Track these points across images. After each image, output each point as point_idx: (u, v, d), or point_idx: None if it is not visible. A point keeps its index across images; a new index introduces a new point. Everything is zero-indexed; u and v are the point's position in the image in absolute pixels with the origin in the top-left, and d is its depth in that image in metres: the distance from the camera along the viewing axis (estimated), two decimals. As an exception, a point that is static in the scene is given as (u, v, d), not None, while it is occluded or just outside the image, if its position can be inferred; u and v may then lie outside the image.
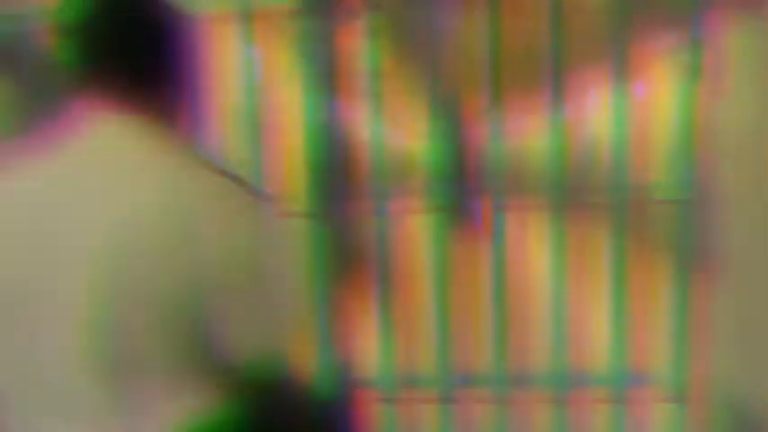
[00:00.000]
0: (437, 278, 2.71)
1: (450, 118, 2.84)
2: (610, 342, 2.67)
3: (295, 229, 2.18)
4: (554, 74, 2.69)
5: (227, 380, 1.08)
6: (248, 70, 2.55)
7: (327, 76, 2.52)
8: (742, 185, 1.78)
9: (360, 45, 2.70)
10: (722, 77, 2.24)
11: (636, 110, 2.40)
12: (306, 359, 1.15)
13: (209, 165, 1.14)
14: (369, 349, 2.74)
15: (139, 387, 1.06)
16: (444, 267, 2.65)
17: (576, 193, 2.53)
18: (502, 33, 2.42)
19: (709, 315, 2.38)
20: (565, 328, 2.59)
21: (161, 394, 1.06)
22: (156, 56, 1.15)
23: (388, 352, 2.70)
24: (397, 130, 2.66)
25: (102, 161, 1.10)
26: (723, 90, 2.24)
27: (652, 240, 2.57)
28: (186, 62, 1.18)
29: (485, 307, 3.50)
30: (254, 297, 1.08)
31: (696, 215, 2.38)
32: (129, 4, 1.13)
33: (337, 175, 2.57)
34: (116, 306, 1.03)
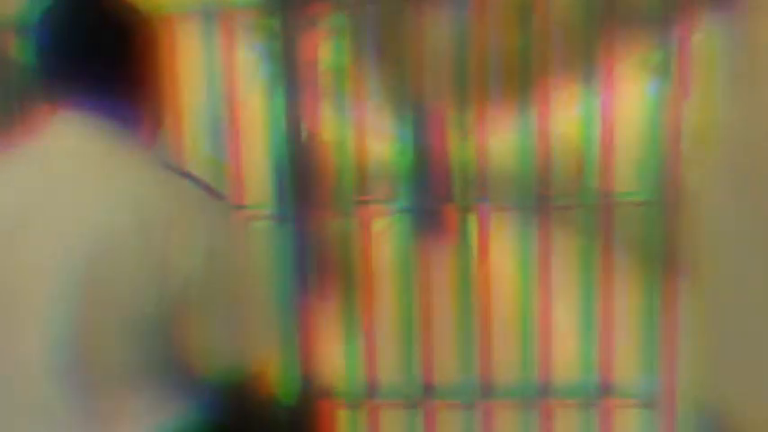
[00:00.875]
0: (403, 282, 2.69)
1: (416, 120, 2.82)
2: (578, 348, 2.67)
3: (260, 233, 2.15)
4: (522, 76, 2.69)
5: (196, 390, 1.07)
6: (211, 71, 2.52)
7: (291, 77, 2.49)
8: (713, 188, 1.78)
9: (324, 45, 2.67)
10: (692, 79, 2.26)
11: (604, 112, 2.41)
12: (271, 366, 1.13)
13: (172, 168, 1.12)
14: (333, 355, 2.72)
15: (110, 400, 1.03)
16: (411, 271, 2.62)
17: (544, 196, 2.53)
18: (470, 36, 2.41)
19: (678, 319, 2.40)
20: (532, 333, 2.58)
21: (132, 406, 1.04)
22: (118, 57, 1.13)
23: (352, 357, 2.68)
24: (363, 132, 2.63)
25: (65, 164, 1.08)
26: (693, 92, 2.25)
27: (621, 243, 2.58)
28: (148, 63, 1.17)
29: (452, 312, 3.50)
30: (220, 304, 1.06)
31: (666, 218, 2.39)
32: (91, 4, 1.11)
33: (302, 178, 2.53)
34: (89, 317, 1.01)
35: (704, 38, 2.18)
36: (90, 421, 1.03)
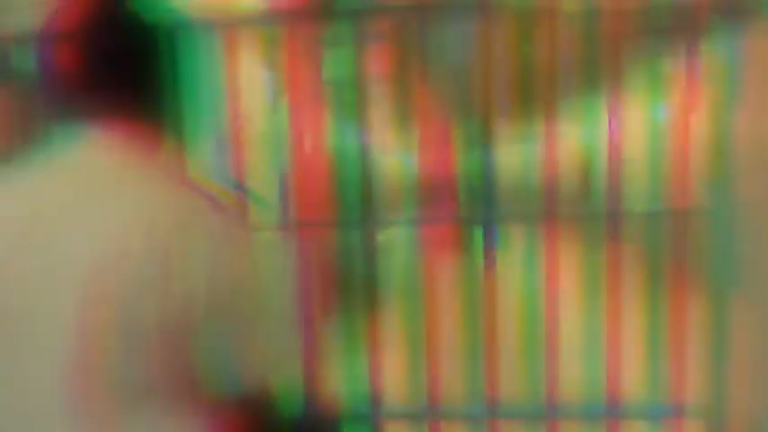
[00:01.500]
0: (409, 296, 2.68)
1: (422, 133, 2.82)
2: (585, 363, 2.65)
3: (265, 246, 2.13)
4: (529, 89, 2.68)
5: (200, 405, 1.06)
6: (217, 84, 2.52)
7: (296, 90, 2.49)
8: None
9: (329, 57, 2.67)
10: (701, 91, 2.25)
11: (612, 125, 2.40)
12: (276, 380, 1.13)
13: (191, 182, 1.12)
14: (338, 369, 2.70)
15: (114, 415, 1.03)
16: (417, 285, 2.61)
17: (551, 208, 2.51)
18: (476, 49, 2.41)
19: (686, 333, 2.38)
20: (539, 348, 2.56)
21: (136, 421, 1.03)
22: (129, 70, 1.14)
23: (357, 372, 2.66)
24: (368, 145, 2.63)
25: (75, 177, 1.08)
26: (702, 104, 2.24)
27: (629, 256, 2.56)
28: (156, 76, 1.17)
29: (458, 326, 3.48)
30: (226, 317, 1.05)
31: (674, 230, 2.37)
32: (104, 19, 1.12)
33: (308, 191, 2.53)
34: (97, 333, 1.00)
35: (713, 49, 2.18)
36: None
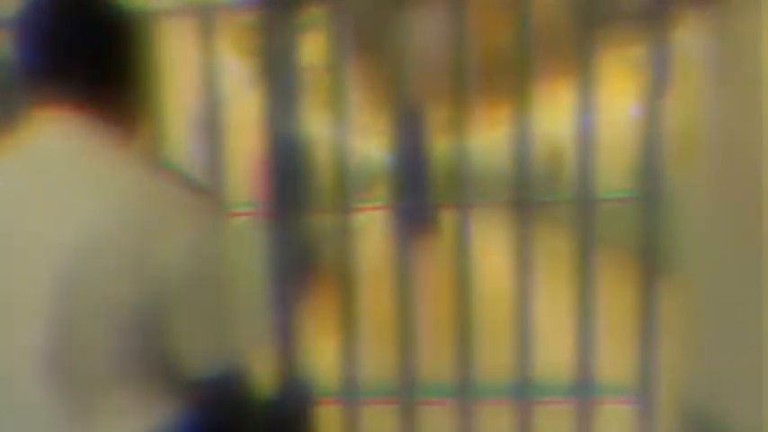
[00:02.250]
0: (386, 281, 2.69)
1: (399, 118, 2.83)
2: (559, 346, 2.68)
3: (243, 231, 2.15)
4: (504, 74, 2.69)
5: (181, 389, 1.07)
6: (196, 70, 2.51)
7: (275, 75, 2.49)
8: (695, 186, 1.80)
9: (308, 43, 2.67)
10: (675, 78, 2.28)
11: (586, 110, 2.42)
12: (255, 364, 1.13)
13: (155, 166, 1.12)
14: (324, 353, 2.72)
15: (95, 400, 1.03)
16: (394, 270, 2.63)
17: (525, 193, 2.54)
18: (464, 33, 2.42)
19: (659, 318, 2.42)
20: (514, 332, 2.59)
21: (117, 406, 1.04)
22: (103, 55, 1.12)
23: (344, 356, 2.67)
24: (354, 131, 2.63)
25: (49, 164, 1.07)
26: (675, 90, 2.27)
27: (602, 241, 2.60)
28: (133, 62, 1.16)
29: (434, 310, 3.50)
30: (204, 302, 1.06)
31: (647, 216, 2.40)
32: (76, 2, 1.11)
33: (286, 176, 2.53)
34: (72, 316, 1.00)
35: (687, 35, 2.20)
36: (75, 422, 1.03)
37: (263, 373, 1.16)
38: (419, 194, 10.30)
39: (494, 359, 2.81)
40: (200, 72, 2.47)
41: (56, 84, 1.10)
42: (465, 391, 2.67)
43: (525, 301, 2.56)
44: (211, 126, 2.50)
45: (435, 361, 2.86)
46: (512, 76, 2.44)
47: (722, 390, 1.52)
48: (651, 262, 2.41)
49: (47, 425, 1.03)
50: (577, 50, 2.38)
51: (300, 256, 2.59)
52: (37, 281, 1.00)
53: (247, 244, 1.17)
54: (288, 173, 2.48)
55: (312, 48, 2.71)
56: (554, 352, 2.84)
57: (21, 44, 1.11)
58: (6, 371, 1.03)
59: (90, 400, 1.03)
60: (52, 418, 1.03)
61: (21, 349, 1.02)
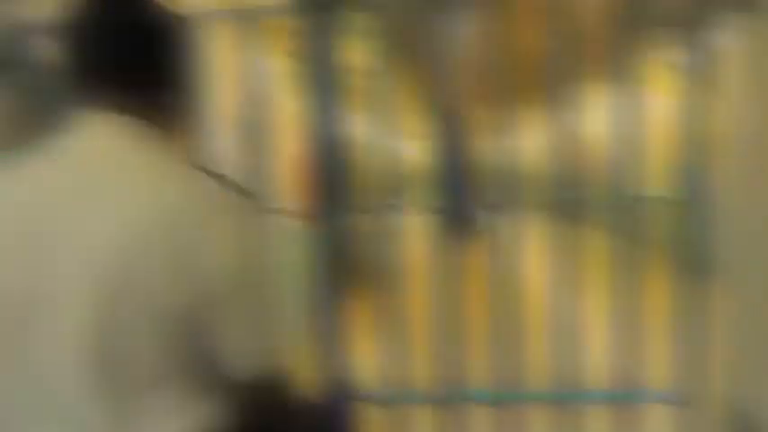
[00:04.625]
0: (434, 283, 2.67)
1: (445, 122, 2.81)
2: (608, 349, 2.64)
3: (294, 233, 2.15)
4: (552, 77, 2.66)
5: (224, 389, 1.06)
6: (244, 71, 2.51)
7: (321, 79, 2.48)
8: (743, 187, 1.76)
9: (354, 46, 2.66)
10: (720, 80, 2.23)
11: (634, 112, 2.38)
12: (300, 365, 1.12)
13: (200, 167, 1.12)
14: (363, 354, 2.71)
15: (138, 400, 1.03)
16: (442, 273, 2.61)
17: (574, 196, 2.51)
18: (502, 37, 2.40)
19: (710, 320, 2.36)
20: (562, 335, 2.56)
21: (160, 406, 1.03)
22: (149, 57, 1.12)
23: (382, 358, 2.66)
24: (396, 133, 2.63)
25: (97, 166, 1.07)
26: (721, 92, 2.22)
27: (651, 242, 2.55)
28: (179, 64, 1.16)
29: (483, 313, 3.47)
30: (248, 302, 1.06)
31: (696, 218, 2.36)
32: (122, 5, 1.12)
33: (333, 179, 2.53)
34: (114, 316, 1.00)
35: (732, 38, 2.16)
36: (118, 422, 1.03)
37: (305, 375, 1.15)
38: (462, 196, 10.23)
39: (538, 361, 2.77)
40: (244, 74, 2.48)
41: (102, 85, 1.10)
42: (508, 395, 2.64)
43: (569, 302, 2.52)
44: (255, 128, 2.50)
45: (479, 363, 2.83)
46: (553, 77, 2.41)
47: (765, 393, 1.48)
48: (694, 262, 2.36)
49: (89, 426, 1.03)
50: (618, 52, 2.35)
51: (343, 257, 2.58)
52: (80, 281, 1.01)
53: (290, 245, 1.17)
54: (331, 174, 2.48)
55: (354, 51, 2.71)
56: (598, 353, 2.80)
57: (67, 46, 1.12)
58: (49, 371, 1.03)
59: (132, 401, 1.02)
60: (94, 420, 1.03)
61: (63, 349, 1.02)
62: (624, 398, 2.53)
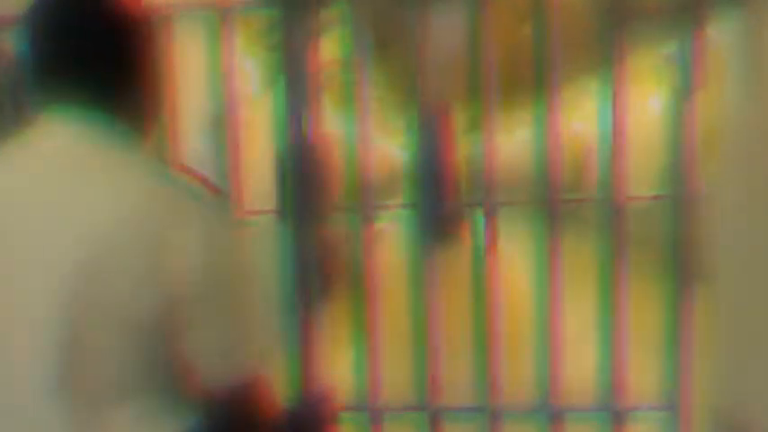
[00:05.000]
0: (410, 283, 2.64)
1: (423, 118, 2.78)
2: (591, 351, 2.63)
3: (260, 233, 2.12)
4: (533, 72, 2.65)
5: (194, 396, 1.04)
6: (211, 69, 2.49)
7: (293, 74, 2.46)
8: (727, 185, 1.74)
9: (327, 40, 2.64)
10: (707, 75, 2.22)
11: (617, 109, 2.38)
12: (272, 370, 1.11)
13: (175, 168, 1.10)
14: (336, 359, 2.68)
15: (106, 409, 1.00)
16: (417, 272, 2.58)
17: (554, 193, 2.49)
18: (479, 32, 2.38)
19: (694, 322, 2.36)
20: (543, 335, 2.54)
21: (129, 415, 1.01)
22: (114, 54, 1.11)
23: (356, 362, 2.64)
24: (367, 129, 2.60)
25: (59, 164, 1.05)
26: (707, 87, 2.22)
27: (634, 241, 2.54)
28: (145, 61, 1.15)
29: (460, 313, 3.46)
30: (219, 305, 1.03)
31: (679, 216, 2.35)
32: (85, 1, 1.10)
33: (305, 177, 2.50)
34: (83, 322, 0.98)
35: (719, 33, 2.16)
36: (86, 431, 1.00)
37: (280, 381, 1.13)
38: (442, 195, 10.30)
39: (519, 365, 2.76)
40: (216, 71, 2.45)
41: (67, 83, 1.09)
42: (489, 400, 2.63)
43: (555, 305, 2.51)
44: (227, 126, 2.48)
45: (458, 368, 2.81)
46: (537, 75, 2.40)
47: (757, 400, 1.46)
48: (681, 264, 2.35)
49: None
50: (605, 48, 2.34)
51: (319, 258, 2.55)
52: (46, 285, 0.98)
53: (265, 246, 1.14)
54: (306, 173, 2.45)
55: (331, 47, 2.69)
56: (585, 358, 2.79)
57: (31, 43, 1.09)
58: (15, 382, 1.01)
59: (104, 410, 1.00)
60: (62, 430, 1.00)
61: (30, 358, 0.99)
62: (609, 403, 2.52)
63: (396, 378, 2.77)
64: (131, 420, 1.01)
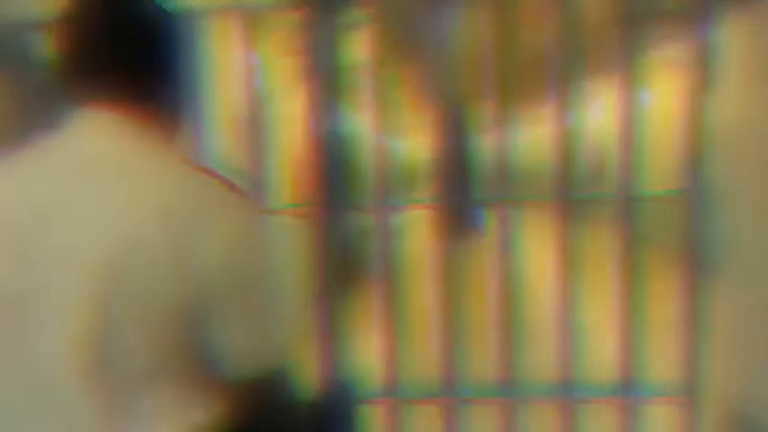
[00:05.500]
0: (439, 280, 2.66)
1: (452, 116, 2.79)
2: (599, 345, 2.64)
3: (282, 229, 2.15)
4: (543, 72, 2.65)
5: (218, 386, 1.06)
6: (243, 69, 2.51)
7: (313, 74, 2.48)
8: (742, 184, 1.76)
9: (346, 41, 2.66)
10: (713, 75, 2.22)
11: (625, 107, 2.38)
12: (293, 362, 1.13)
13: (203, 167, 1.11)
14: (368, 353, 2.71)
15: (132, 398, 1.03)
16: (446, 269, 2.60)
17: (564, 191, 2.50)
18: (503, 33, 2.39)
19: (700, 315, 2.36)
20: (552, 330, 2.55)
21: (155, 404, 1.03)
22: (143, 55, 1.13)
23: (388, 356, 2.66)
24: (395, 130, 2.61)
25: (96, 163, 1.07)
26: (713, 87, 2.22)
27: (642, 238, 2.55)
28: (173, 61, 1.16)
29: (485, 309, 3.47)
30: (243, 300, 1.06)
31: (687, 213, 2.35)
32: (117, 3, 1.12)
33: (336, 176, 2.53)
34: (112, 315, 1.00)
35: (725, 33, 2.15)
36: (115, 419, 1.03)
37: (306, 374, 1.15)
38: (463, 192, 10.25)
39: (539, 358, 2.77)
40: (245, 70, 2.47)
41: (99, 83, 1.11)
42: (510, 391, 2.64)
43: (569, 299, 2.52)
44: (256, 124, 2.50)
45: (480, 360, 2.82)
46: (555, 73, 2.41)
47: (765, 388, 1.48)
48: (696, 260, 2.35)
49: (86, 423, 1.03)
50: (621, 48, 2.34)
51: (344, 254, 2.58)
52: (78, 278, 1.00)
53: (291, 242, 1.16)
54: (332, 171, 2.48)
55: (356, 46, 2.71)
56: (599, 351, 2.79)
57: (65, 43, 1.11)
58: (44, 370, 1.03)
59: (129, 399, 1.02)
60: (92, 417, 1.03)
61: (58, 347, 1.02)
62: (626, 393, 2.53)
63: (415, 370, 2.79)
64: (158, 406, 1.03)
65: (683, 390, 2.46)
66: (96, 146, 1.09)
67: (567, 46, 2.40)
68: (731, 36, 2.08)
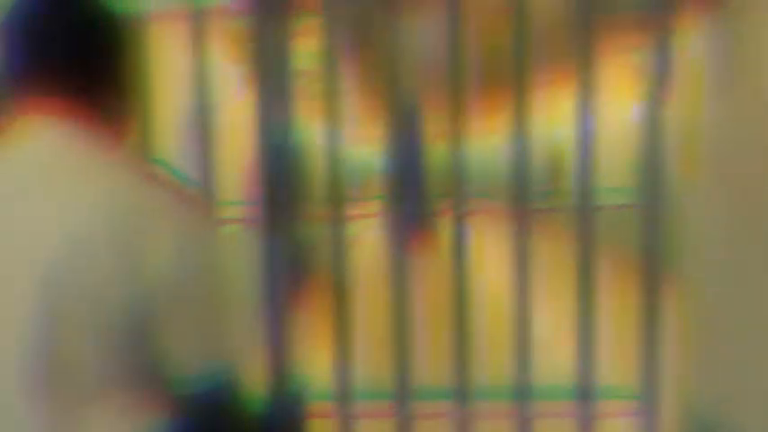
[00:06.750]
0: (391, 286, 2.66)
1: (405, 122, 2.80)
2: (560, 352, 2.66)
3: (233, 236, 2.13)
4: (503, 77, 2.68)
5: (168, 396, 1.04)
6: (192, 73, 2.49)
7: (265, 79, 2.47)
8: (697, 189, 1.79)
9: (299, 45, 2.65)
10: (676, 80, 2.26)
11: (586, 114, 2.41)
12: (244, 371, 1.11)
13: (153, 172, 1.10)
14: (318, 362, 2.69)
15: (80, 409, 1.01)
16: (398, 275, 2.60)
17: (524, 198, 2.52)
18: (462, 37, 2.40)
19: (662, 322, 2.40)
20: (512, 338, 2.57)
21: (103, 415, 1.01)
22: (88, 58, 1.11)
23: (338, 364, 2.65)
24: (349, 134, 2.61)
25: (42, 168, 1.05)
26: (677, 92, 2.26)
27: (603, 245, 2.58)
28: (119, 65, 1.15)
29: (441, 315, 3.48)
30: (192, 308, 1.04)
31: (648, 220, 2.39)
32: (63, 4, 1.10)
33: (276, 181, 2.51)
34: (53, 323, 0.98)
35: (689, 37, 2.19)
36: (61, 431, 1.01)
37: (254, 383, 1.14)
38: (415, 198, 10.31)
39: (493, 365, 2.79)
40: (192, 76, 2.45)
41: (42, 87, 1.09)
42: (463, 398, 2.65)
43: (524, 306, 2.54)
44: (202, 130, 2.48)
45: (433, 367, 2.83)
46: (511, 79, 2.43)
47: (728, 396, 1.50)
48: (654, 267, 2.39)
49: None
50: (577, 53, 2.37)
51: (293, 261, 2.56)
52: (21, 287, 0.99)
53: (239, 250, 1.15)
54: (280, 178, 2.46)
55: (305, 51, 2.70)
56: (555, 357, 2.82)
57: (6, 46, 1.09)
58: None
59: (75, 410, 1.01)
60: (35, 427, 1.01)
61: (10, 358, 1.00)
62: (582, 400, 2.55)
63: (370, 377, 2.79)
64: (105, 418, 1.01)
65: (642, 395, 2.50)
66: (40, 152, 1.07)
67: (524, 52, 2.43)
68: (691, 41, 2.12)
